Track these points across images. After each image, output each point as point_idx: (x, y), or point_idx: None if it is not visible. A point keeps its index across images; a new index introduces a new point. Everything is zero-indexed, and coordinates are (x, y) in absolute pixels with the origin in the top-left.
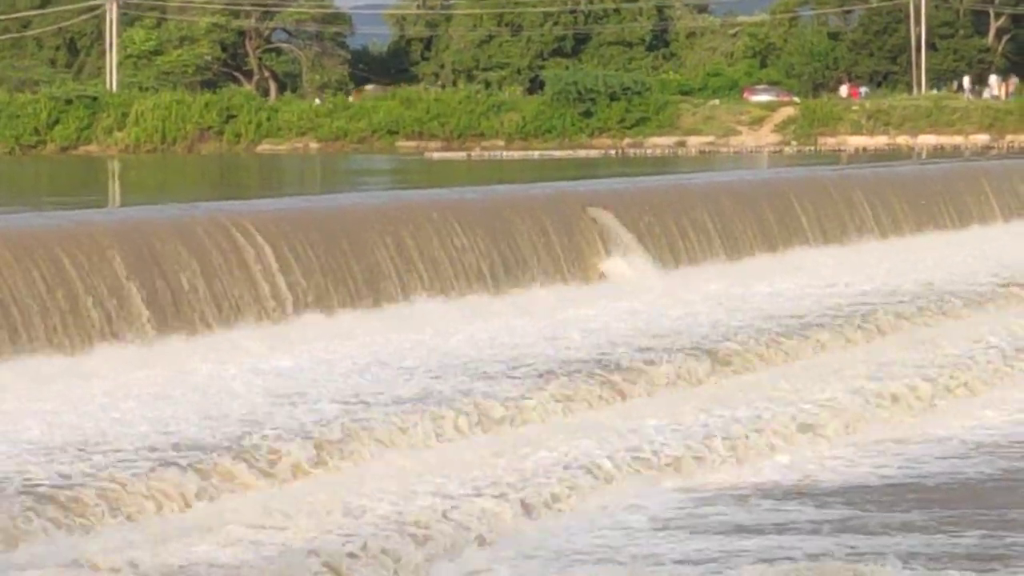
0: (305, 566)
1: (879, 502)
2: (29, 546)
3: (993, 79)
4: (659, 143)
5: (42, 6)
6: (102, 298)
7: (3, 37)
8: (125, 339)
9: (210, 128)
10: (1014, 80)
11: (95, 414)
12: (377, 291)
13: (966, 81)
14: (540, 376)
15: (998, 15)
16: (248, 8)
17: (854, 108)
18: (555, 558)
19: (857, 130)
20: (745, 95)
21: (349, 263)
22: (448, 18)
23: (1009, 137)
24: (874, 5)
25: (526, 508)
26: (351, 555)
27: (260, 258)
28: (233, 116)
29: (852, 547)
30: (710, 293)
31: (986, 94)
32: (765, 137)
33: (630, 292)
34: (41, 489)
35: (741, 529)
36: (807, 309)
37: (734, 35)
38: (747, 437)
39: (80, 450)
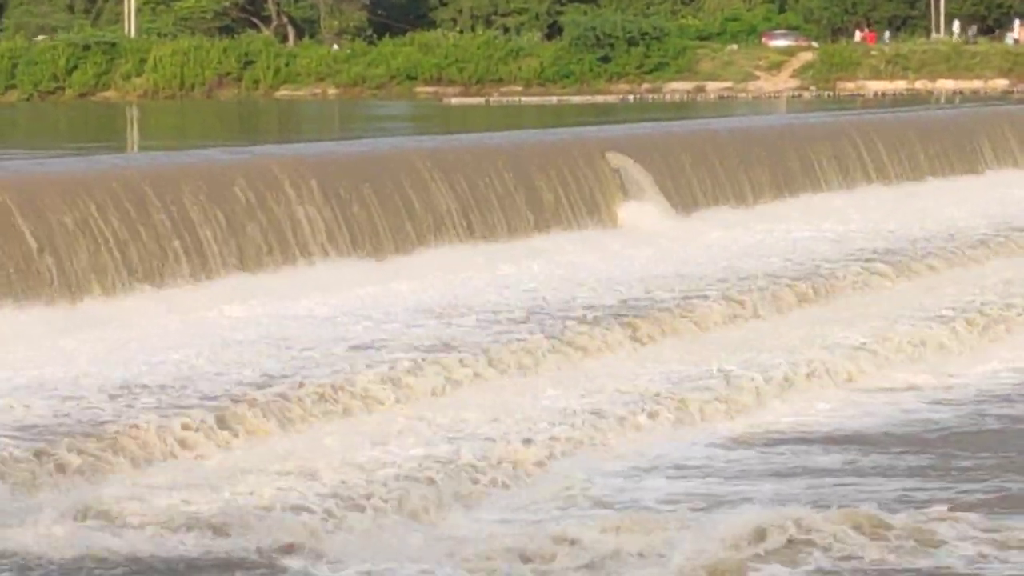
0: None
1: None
2: None
3: (1017, 24)
4: (677, 88)
5: None
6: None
7: None
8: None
9: (228, 74)
10: None
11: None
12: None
13: (956, 25)
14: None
15: None
16: None
17: (873, 53)
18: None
19: (876, 75)
20: (763, 40)
21: (379, 210)
22: None
23: None
24: None
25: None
26: None
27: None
28: (251, 62)
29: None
30: (728, 238)
31: (1008, 39)
32: (784, 82)
33: (647, 237)
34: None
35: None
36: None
37: None
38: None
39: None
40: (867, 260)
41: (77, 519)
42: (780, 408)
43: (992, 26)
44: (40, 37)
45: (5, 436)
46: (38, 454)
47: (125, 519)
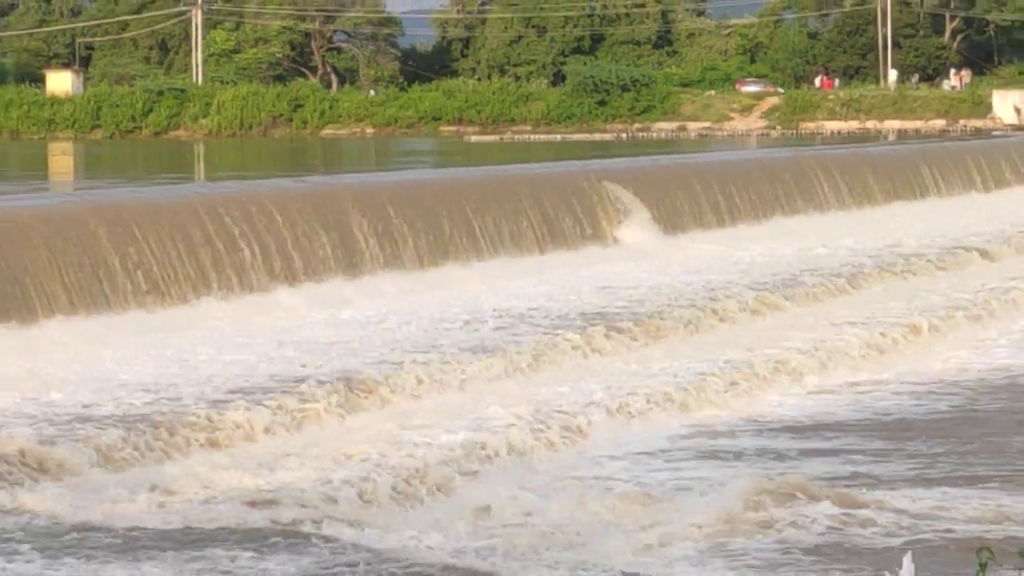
0: None
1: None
2: None
3: (952, 72)
4: (663, 128)
5: (138, 11)
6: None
7: (105, 38)
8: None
9: (281, 116)
10: (967, 73)
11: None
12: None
13: (892, 74)
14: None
15: (953, 17)
16: (313, 13)
17: (830, 97)
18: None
19: (832, 116)
20: (737, 86)
21: (417, 231)
22: (483, 21)
23: (962, 121)
24: (847, 9)
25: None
26: None
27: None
28: (300, 105)
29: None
30: (706, 254)
31: (945, 85)
32: (754, 122)
33: (639, 254)
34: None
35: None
36: (789, 269)
37: (727, 35)
38: (746, 376)
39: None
40: (825, 272)
41: (154, 491)
42: (739, 403)
43: (932, 74)
44: (121, 84)
45: (101, 426)
46: (125, 439)
47: (207, 492)
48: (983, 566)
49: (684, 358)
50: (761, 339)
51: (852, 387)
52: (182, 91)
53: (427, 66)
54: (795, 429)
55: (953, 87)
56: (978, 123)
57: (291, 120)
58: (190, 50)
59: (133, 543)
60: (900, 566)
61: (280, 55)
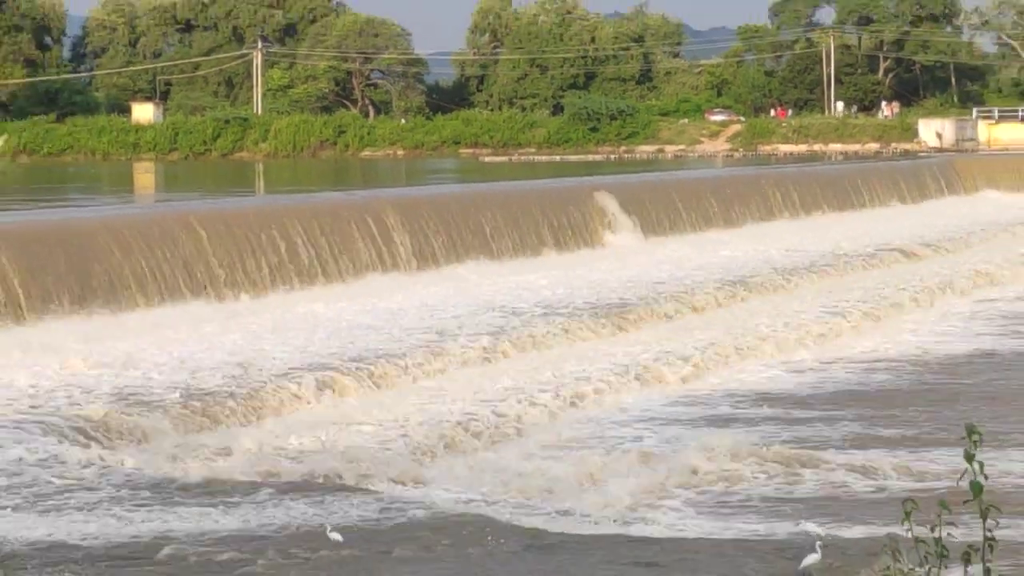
0: None
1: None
2: None
3: (884, 104)
4: (645, 150)
5: (208, 53)
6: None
7: (181, 76)
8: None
9: (327, 140)
10: (896, 104)
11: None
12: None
13: (839, 105)
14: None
15: (885, 58)
16: (354, 55)
17: (783, 125)
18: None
19: (786, 140)
20: (706, 116)
21: (439, 236)
22: (495, 62)
23: (893, 144)
24: (797, 52)
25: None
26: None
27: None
28: (343, 131)
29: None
30: (694, 252)
31: (880, 115)
32: (720, 146)
33: (623, 255)
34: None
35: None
36: (751, 267)
37: (698, 73)
38: (716, 355)
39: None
40: (780, 270)
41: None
42: (713, 377)
43: (868, 105)
44: (194, 114)
45: (179, 397)
46: (202, 407)
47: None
48: (908, 514)
49: (661, 338)
50: (730, 324)
51: (804, 367)
52: (245, 120)
53: (448, 99)
54: (766, 395)
55: (886, 116)
56: (907, 146)
57: (335, 144)
58: (251, 86)
59: (220, 490)
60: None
61: (326, 90)
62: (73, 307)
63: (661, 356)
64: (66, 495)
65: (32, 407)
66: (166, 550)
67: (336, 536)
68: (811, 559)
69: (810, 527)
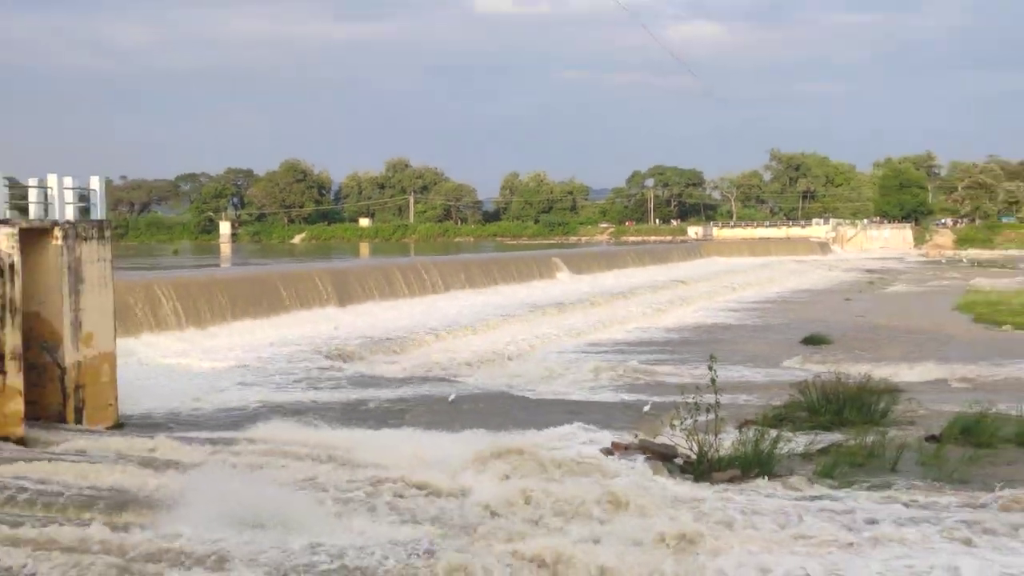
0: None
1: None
2: None
3: (673, 220)
4: (574, 239)
5: (391, 197)
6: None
7: (379, 207)
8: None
9: (440, 234)
10: (678, 220)
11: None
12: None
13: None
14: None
15: (675, 201)
16: (451, 199)
17: (632, 229)
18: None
19: (633, 235)
20: (600, 225)
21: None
22: (511, 202)
23: (678, 236)
24: (638, 197)
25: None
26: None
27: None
28: (447, 230)
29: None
30: (595, 282)
31: (671, 223)
32: (606, 237)
33: (564, 283)
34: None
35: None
36: (626, 286)
37: (594, 207)
38: (603, 324)
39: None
40: (636, 288)
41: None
42: (601, 334)
43: (666, 220)
44: (383, 223)
45: (368, 341)
46: (390, 346)
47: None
48: (682, 391)
49: (580, 318)
50: (608, 312)
51: (643, 329)
52: (405, 226)
53: (490, 217)
54: (626, 343)
55: (673, 224)
56: (683, 237)
57: (444, 235)
58: (408, 210)
59: (393, 381)
60: (657, 394)
61: (440, 213)
62: (328, 303)
63: (578, 324)
64: (326, 381)
65: (315, 349)
66: (368, 405)
67: (453, 397)
68: (644, 410)
69: (646, 398)
